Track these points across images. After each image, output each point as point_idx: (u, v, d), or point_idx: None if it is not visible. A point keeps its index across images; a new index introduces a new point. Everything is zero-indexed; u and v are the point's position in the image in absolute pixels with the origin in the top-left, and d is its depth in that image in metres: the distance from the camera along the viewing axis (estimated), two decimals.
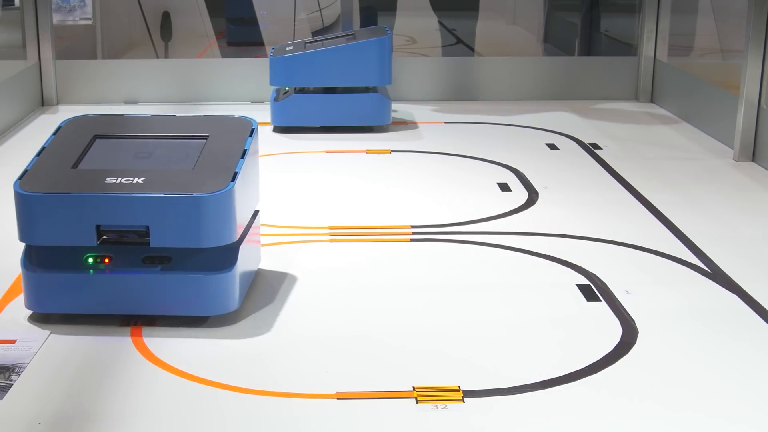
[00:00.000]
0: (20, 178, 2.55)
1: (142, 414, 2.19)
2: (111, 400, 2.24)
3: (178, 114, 3.06)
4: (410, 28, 6.79)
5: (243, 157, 2.64)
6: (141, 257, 2.58)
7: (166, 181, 2.53)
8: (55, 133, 2.78)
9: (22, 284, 2.64)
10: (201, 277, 2.55)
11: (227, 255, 2.58)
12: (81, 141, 2.73)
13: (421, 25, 6.82)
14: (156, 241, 2.51)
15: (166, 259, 2.57)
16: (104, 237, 2.54)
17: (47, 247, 2.58)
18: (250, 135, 2.75)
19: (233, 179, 2.53)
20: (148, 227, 2.50)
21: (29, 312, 2.70)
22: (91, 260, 2.59)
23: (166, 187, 2.50)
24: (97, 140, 2.74)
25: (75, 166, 2.63)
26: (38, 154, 2.68)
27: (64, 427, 2.14)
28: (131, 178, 2.53)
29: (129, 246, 2.57)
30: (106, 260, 2.59)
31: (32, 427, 2.13)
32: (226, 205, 2.51)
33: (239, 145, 2.70)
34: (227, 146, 2.69)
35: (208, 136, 2.74)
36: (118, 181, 2.52)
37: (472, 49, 6.71)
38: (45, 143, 2.74)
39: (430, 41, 6.78)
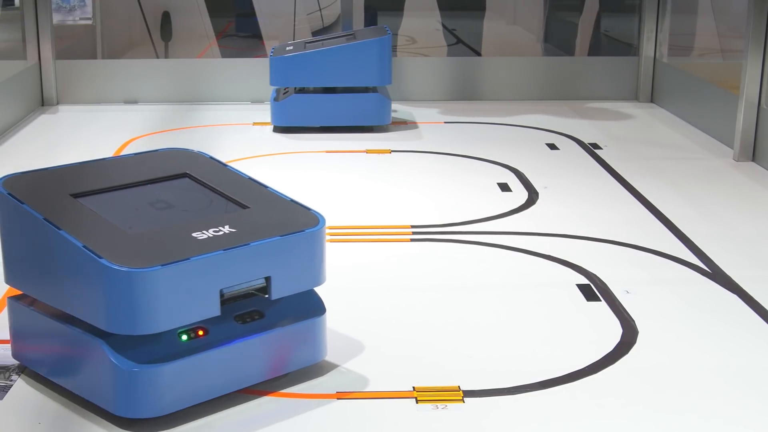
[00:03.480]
0: (99, 256, 2.01)
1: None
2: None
3: (124, 154, 2.81)
4: (410, 28, 6.79)
5: (259, 182, 2.43)
6: (232, 317, 2.21)
7: (256, 225, 2.21)
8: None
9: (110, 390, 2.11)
10: (307, 324, 2.29)
11: (313, 297, 2.36)
12: (69, 205, 2.23)
13: (421, 25, 6.82)
14: (276, 291, 2.19)
15: (257, 314, 2.24)
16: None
17: (131, 336, 2.08)
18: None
19: (309, 209, 2.32)
20: (269, 278, 2.18)
21: None
22: (185, 337, 2.14)
23: (271, 230, 2.19)
24: (82, 199, 2.26)
25: (136, 232, 2.15)
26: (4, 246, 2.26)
27: (64, 427, 2.14)
28: (218, 229, 2.16)
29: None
30: (200, 332, 2.16)
31: (32, 427, 2.13)
32: (323, 238, 2.30)
33: (223, 169, 2.48)
34: (217, 176, 2.43)
35: (186, 173, 2.43)
36: (211, 235, 2.14)
37: (475, 50, 6.71)
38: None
39: (430, 41, 6.78)
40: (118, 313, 2.00)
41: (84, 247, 2.02)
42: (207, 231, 2.14)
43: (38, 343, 2.28)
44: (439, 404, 2.23)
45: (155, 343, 2.09)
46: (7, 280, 2.28)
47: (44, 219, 2.10)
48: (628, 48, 5.75)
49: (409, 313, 2.71)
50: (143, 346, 2.07)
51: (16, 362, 2.39)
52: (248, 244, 2.12)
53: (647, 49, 5.45)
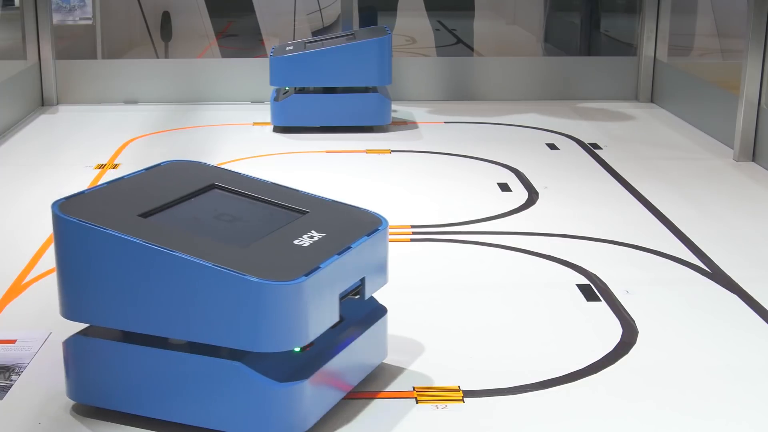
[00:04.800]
0: (242, 273, 1.93)
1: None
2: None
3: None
4: (410, 28, 6.80)
5: (285, 186, 2.41)
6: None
7: (337, 227, 2.19)
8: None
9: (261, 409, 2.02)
10: (379, 324, 2.32)
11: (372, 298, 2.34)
12: (149, 226, 2.10)
13: (421, 25, 6.82)
14: (368, 292, 2.20)
15: (340, 317, 2.17)
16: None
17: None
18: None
19: (365, 209, 2.33)
20: (364, 278, 2.17)
21: (29, 312, 2.70)
22: (298, 348, 2.08)
23: (355, 232, 2.17)
24: (152, 218, 2.14)
25: (247, 245, 2.07)
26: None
27: (64, 427, 2.14)
28: (311, 235, 2.13)
29: None
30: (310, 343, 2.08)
31: (32, 427, 2.13)
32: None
33: (242, 176, 2.43)
34: (244, 184, 2.38)
35: (213, 185, 2.35)
36: (310, 242, 2.10)
37: (472, 48, 6.72)
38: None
39: (429, 41, 6.78)
40: (270, 329, 1.94)
41: (216, 266, 1.93)
42: (303, 238, 2.11)
43: (130, 379, 2.09)
44: (439, 404, 2.23)
45: (283, 359, 2.04)
46: (72, 316, 2.10)
47: (149, 244, 1.97)
48: (628, 48, 5.76)
49: (408, 313, 2.71)
50: (278, 364, 2.03)
51: (16, 362, 2.39)
52: (351, 247, 2.11)
53: (647, 49, 5.45)
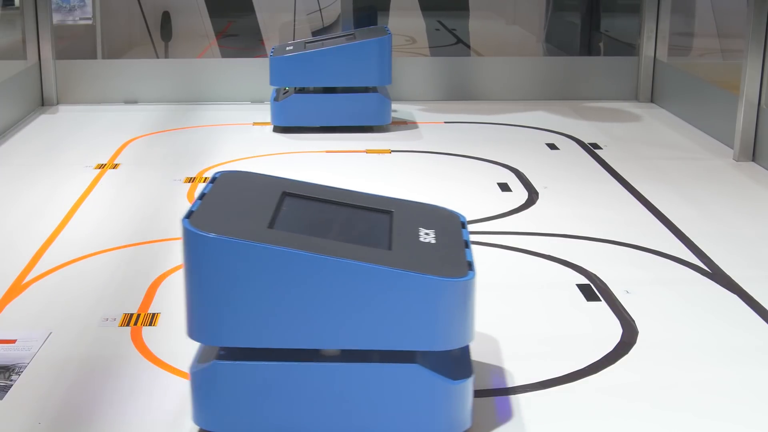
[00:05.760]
0: (422, 273, 1.93)
1: (142, 414, 2.19)
2: (111, 400, 2.24)
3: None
4: (411, 28, 6.79)
5: (338, 187, 2.40)
6: None
7: (435, 225, 2.20)
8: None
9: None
10: None
11: None
12: (288, 237, 2.02)
13: (421, 25, 6.82)
14: None
15: None
16: None
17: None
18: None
19: (438, 205, 2.37)
20: None
21: (29, 312, 2.70)
22: None
23: (453, 228, 2.20)
24: (280, 229, 2.06)
25: (388, 247, 2.06)
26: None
27: (64, 427, 2.14)
28: (426, 233, 2.14)
29: None
30: None
31: (32, 427, 2.13)
32: None
33: (341, 190, 2.40)
34: (311, 190, 2.35)
35: (285, 193, 2.28)
36: (433, 239, 2.11)
37: (469, 47, 6.71)
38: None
39: (429, 41, 6.78)
40: (449, 326, 1.96)
41: (393, 269, 1.91)
42: (422, 236, 2.11)
43: (290, 398, 2.01)
44: None
45: (438, 358, 2.04)
46: (213, 339, 1.98)
47: (318, 255, 1.92)
48: (628, 48, 5.76)
49: None
50: (439, 363, 2.03)
51: (16, 362, 2.39)
52: (468, 242, 2.12)
53: (647, 49, 5.45)
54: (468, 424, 2.07)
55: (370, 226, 2.17)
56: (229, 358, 2.00)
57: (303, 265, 1.92)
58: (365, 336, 1.95)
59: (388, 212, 2.24)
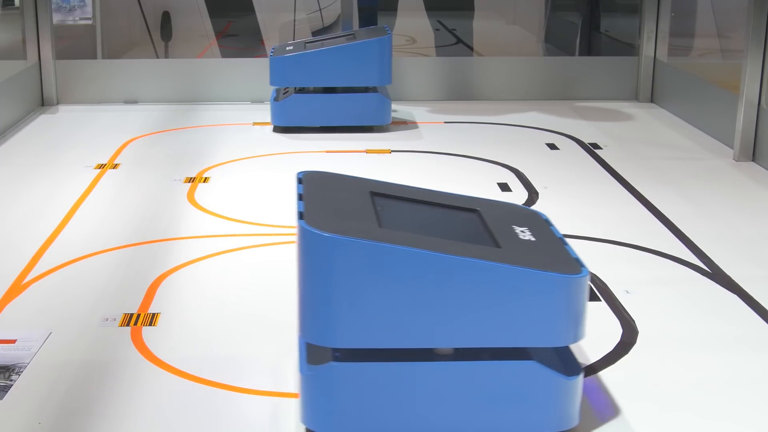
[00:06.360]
0: (545, 270, 1.96)
1: (142, 414, 2.19)
2: (111, 400, 2.24)
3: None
4: (410, 28, 6.80)
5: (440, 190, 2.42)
6: None
7: (527, 223, 2.22)
8: None
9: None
10: None
11: None
12: (407, 237, 2.01)
13: (420, 25, 6.82)
14: None
15: None
16: None
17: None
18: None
19: (518, 204, 2.40)
20: None
21: (29, 312, 2.70)
22: None
23: (541, 224, 2.22)
24: (392, 230, 2.04)
25: (497, 245, 2.07)
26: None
27: (64, 427, 2.14)
28: (522, 230, 2.15)
29: None
30: None
31: (32, 427, 2.13)
32: None
33: (420, 189, 2.39)
34: (395, 189, 2.34)
35: (372, 192, 2.27)
36: (530, 236, 2.13)
37: (471, 48, 6.71)
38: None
39: (428, 41, 6.78)
40: (571, 322, 1.99)
41: (521, 268, 1.93)
42: (519, 233, 2.12)
43: (402, 401, 2.00)
44: None
45: (545, 354, 2.06)
46: (334, 342, 1.96)
47: (447, 255, 1.92)
48: (628, 48, 5.76)
49: None
50: (551, 359, 2.05)
51: (16, 362, 2.39)
52: (563, 239, 2.14)
53: (647, 49, 5.45)
54: (576, 421, 2.07)
55: (466, 224, 2.18)
56: (346, 359, 1.99)
57: (428, 264, 1.92)
58: (486, 333, 1.97)
59: (474, 210, 2.26)
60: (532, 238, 2.11)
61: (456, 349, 2.03)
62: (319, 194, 2.14)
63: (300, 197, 2.10)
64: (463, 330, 1.96)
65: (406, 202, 2.26)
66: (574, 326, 1.99)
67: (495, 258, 1.96)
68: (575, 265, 2.00)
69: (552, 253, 2.05)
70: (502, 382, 2.00)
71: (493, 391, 2.01)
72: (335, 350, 2.02)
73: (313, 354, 2.06)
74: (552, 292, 1.95)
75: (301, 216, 1.97)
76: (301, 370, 2.02)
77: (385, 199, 2.23)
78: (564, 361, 2.07)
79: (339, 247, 1.90)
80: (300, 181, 2.23)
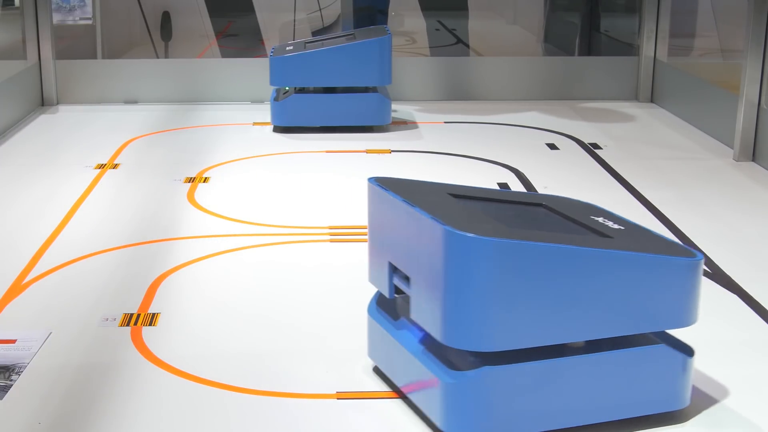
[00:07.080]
0: (677, 256, 2.03)
1: (142, 414, 2.19)
2: (111, 400, 2.24)
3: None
4: (410, 28, 6.80)
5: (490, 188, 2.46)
6: None
7: (600, 211, 2.27)
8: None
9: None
10: None
11: None
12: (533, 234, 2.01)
13: (420, 25, 6.82)
14: None
15: None
16: None
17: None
18: None
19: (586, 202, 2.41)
20: None
21: (29, 312, 2.70)
22: None
23: (622, 220, 2.24)
24: (513, 228, 2.04)
25: (606, 235, 2.10)
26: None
27: (64, 427, 2.14)
28: (604, 221, 2.19)
29: None
30: None
31: (32, 427, 2.13)
32: None
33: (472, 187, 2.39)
34: (471, 191, 2.33)
35: (450, 194, 2.24)
36: (618, 225, 2.17)
37: (468, 46, 6.71)
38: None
39: (429, 41, 6.78)
40: (694, 304, 2.08)
41: (654, 255, 2.01)
42: (608, 223, 2.17)
43: (550, 397, 2.02)
44: None
45: (662, 336, 2.14)
46: (483, 345, 1.95)
47: (592, 249, 1.96)
48: (628, 48, 5.76)
49: None
50: (669, 341, 2.13)
51: (16, 362, 2.39)
52: (638, 224, 2.20)
53: (647, 49, 5.45)
54: (689, 400, 2.16)
55: (555, 219, 2.20)
56: (491, 363, 1.98)
57: (575, 259, 1.95)
58: (622, 322, 2.02)
59: (544, 206, 2.29)
60: (621, 227, 2.15)
61: (587, 342, 2.06)
62: (416, 199, 2.13)
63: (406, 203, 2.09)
64: (602, 321, 2.01)
65: (484, 201, 2.26)
66: (696, 307, 2.08)
67: (627, 248, 2.01)
68: (684, 249, 2.08)
69: (653, 239, 2.11)
70: (637, 367, 2.07)
71: (629, 376, 2.07)
72: (471, 354, 2.01)
73: (451, 360, 2.03)
74: (680, 276, 2.04)
75: (439, 221, 1.94)
76: (441, 376, 2.00)
77: (466, 200, 2.23)
78: (675, 343, 2.13)
79: (490, 249, 1.89)
80: (382, 186, 2.25)
